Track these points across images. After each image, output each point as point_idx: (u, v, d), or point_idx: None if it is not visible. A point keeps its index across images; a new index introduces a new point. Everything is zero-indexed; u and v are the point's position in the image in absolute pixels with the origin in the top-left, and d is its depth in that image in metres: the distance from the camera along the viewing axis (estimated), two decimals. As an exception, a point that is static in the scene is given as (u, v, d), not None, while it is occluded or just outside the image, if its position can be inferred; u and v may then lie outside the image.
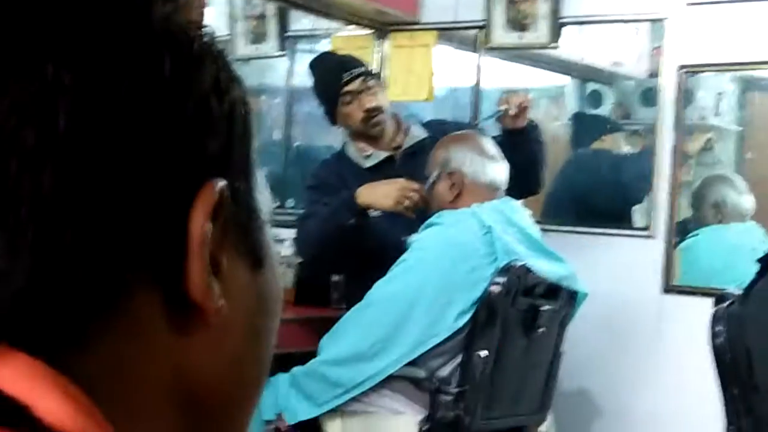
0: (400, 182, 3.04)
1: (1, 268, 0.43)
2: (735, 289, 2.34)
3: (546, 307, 2.89)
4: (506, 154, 3.06)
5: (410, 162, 3.26)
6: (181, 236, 0.46)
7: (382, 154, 3.30)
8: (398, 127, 3.40)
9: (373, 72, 3.38)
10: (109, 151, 0.44)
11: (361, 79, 3.28)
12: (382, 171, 3.23)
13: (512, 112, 3.21)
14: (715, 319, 2.26)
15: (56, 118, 0.43)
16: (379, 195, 3.02)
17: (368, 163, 3.29)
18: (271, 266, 0.53)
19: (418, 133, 3.38)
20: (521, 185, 3.14)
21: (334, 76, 3.32)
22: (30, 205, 0.43)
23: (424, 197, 3.03)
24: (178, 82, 0.47)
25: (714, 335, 2.25)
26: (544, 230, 3.21)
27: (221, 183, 0.47)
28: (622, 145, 4.47)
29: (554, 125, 5.00)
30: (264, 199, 0.54)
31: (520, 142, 3.23)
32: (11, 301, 0.43)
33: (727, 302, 2.27)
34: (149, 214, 0.45)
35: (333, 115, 3.35)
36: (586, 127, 4.62)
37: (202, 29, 0.51)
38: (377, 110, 3.27)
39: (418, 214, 3.02)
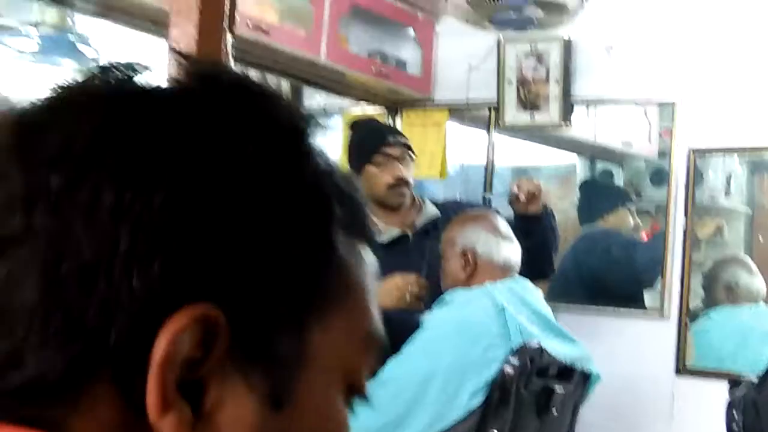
0: (396, 280, 3.03)
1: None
2: (750, 375, 2.33)
3: (559, 389, 2.88)
4: (518, 238, 3.07)
5: (424, 240, 3.27)
6: (147, 354, 0.47)
7: (396, 231, 3.31)
8: (413, 204, 3.40)
9: (412, 150, 3.38)
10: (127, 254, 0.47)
11: (402, 148, 3.34)
12: (396, 248, 3.24)
13: (522, 198, 3.24)
14: (731, 406, 2.25)
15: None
16: (380, 295, 3.02)
17: (383, 239, 3.30)
18: (305, 414, 0.51)
19: (432, 212, 3.39)
20: (532, 269, 3.14)
21: (377, 135, 3.39)
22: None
23: (424, 285, 3.04)
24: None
25: (730, 422, 2.24)
26: (554, 309, 3.20)
27: (203, 311, 0.47)
28: (630, 222, 4.47)
29: (564, 204, 5.03)
30: (337, 345, 0.53)
31: (532, 228, 3.25)
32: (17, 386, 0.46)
33: (743, 388, 2.27)
34: (119, 326, 0.46)
35: (359, 173, 3.32)
36: (596, 198, 4.62)
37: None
38: (405, 182, 3.30)
39: (428, 300, 3.03)
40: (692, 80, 3.89)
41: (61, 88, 0.52)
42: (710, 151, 3.97)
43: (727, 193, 4.79)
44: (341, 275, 0.53)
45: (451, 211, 3.29)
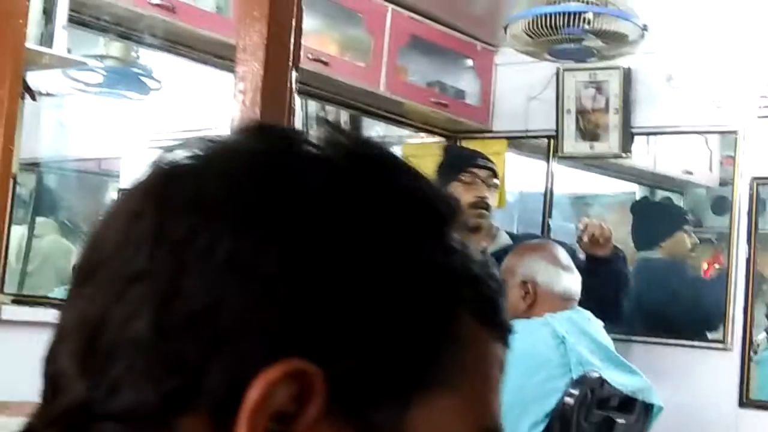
0: None
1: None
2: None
3: (621, 421, 2.86)
4: (584, 277, 3.06)
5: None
6: (240, 396, 0.48)
7: None
8: (489, 230, 3.46)
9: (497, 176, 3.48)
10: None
11: (489, 172, 3.40)
12: None
13: (585, 240, 3.24)
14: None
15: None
16: None
17: None
18: None
19: (505, 241, 3.44)
20: (595, 310, 3.11)
21: (467, 155, 3.53)
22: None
23: None
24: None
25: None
26: (614, 340, 3.18)
27: (298, 366, 0.48)
28: (688, 244, 4.38)
29: (622, 233, 4.99)
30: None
31: (598, 269, 3.24)
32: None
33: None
34: (226, 366, 0.48)
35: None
36: (652, 221, 4.52)
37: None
38: (486, 205, 3.35)
39: None
40: (754, 108, 3.86)
41: (209, 140, 0.55)
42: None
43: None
44: (459, 358, 0.53)
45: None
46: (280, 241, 0.49)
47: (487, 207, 3.34)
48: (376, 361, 0.49)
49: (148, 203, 0.52)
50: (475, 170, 3.38)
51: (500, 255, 3.30)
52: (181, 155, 0.54)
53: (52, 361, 0.53)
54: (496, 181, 3.42)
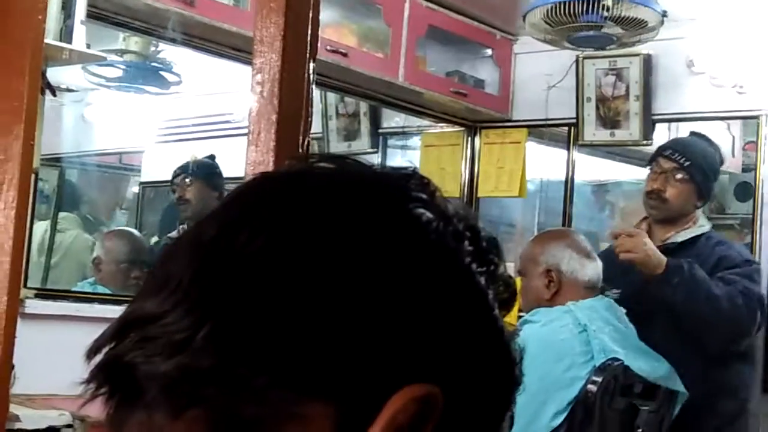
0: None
1: None
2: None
3: (644, 408, 2.85)
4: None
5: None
6: (374, 407, 0.52)
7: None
8: (674, 222, 3.28)
9: (692, 170, 3.25)
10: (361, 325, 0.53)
11: (675, 165, 3.24)
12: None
13: (617, 251, 3.14)
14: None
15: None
16: None
17: None
18: None
19: (702, 226, 3.30)
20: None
21: (663, 146, 3.43)
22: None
23: None
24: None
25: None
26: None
27: (437, 390, 0.53)
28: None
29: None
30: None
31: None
32: None
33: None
34: (359, 372, 0.52)
35: None
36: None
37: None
38: (658, 196, 3.25)
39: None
40: (776, 93, 3.83)
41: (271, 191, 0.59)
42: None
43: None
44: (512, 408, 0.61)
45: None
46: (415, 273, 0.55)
47: (659, 198, 3.24)
48: (478, 395, 0.57)
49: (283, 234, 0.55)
50: (662, 161, 3.28)
51: (695, 240, 3.24)
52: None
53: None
54: (683, 174, 3.24)
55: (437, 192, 0.60)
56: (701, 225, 3.27)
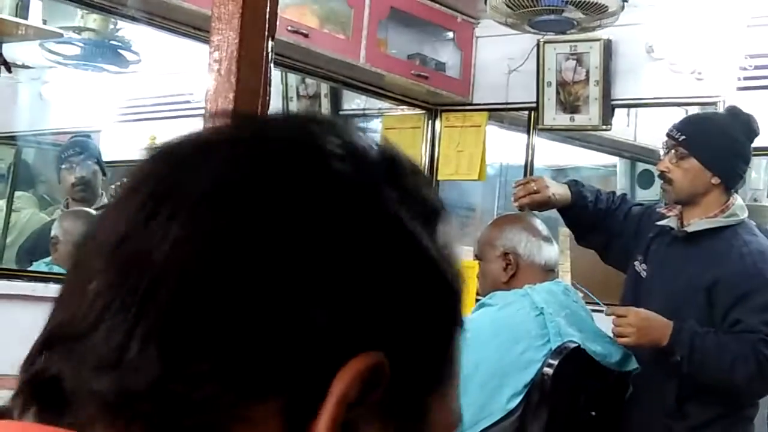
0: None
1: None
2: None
3: (598, 390, 2.87)
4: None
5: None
6: (322, 391, 0.50)
7: (672, 221, 3.06)
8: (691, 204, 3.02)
9: (688, 143, 2.97)
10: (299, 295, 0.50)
11: (671, 141, 3.00)
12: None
13: (514, 205, 3.18)
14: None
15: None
16: None
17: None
18: None
19: (738, 213, 3.00)
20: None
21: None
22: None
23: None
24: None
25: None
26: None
27: (381, 359, 0.51)
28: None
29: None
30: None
31: (573, 213, 3.23)
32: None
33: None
34: (302, 360, 0.50)
35: None
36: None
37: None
38: (663, 177, 3.02)
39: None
40: (734, 79, 3.87)
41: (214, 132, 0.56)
42: (754, 150, 3.93)
43: (770, 193, 4.76)
44: (456, 353, 0.57)
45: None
46: (342, 248, 0.52)
47: (665, 180, 3.02)
48: (421, 350, 0.54)
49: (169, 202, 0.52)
50: (666, 140, 3.03)
51: (715, 233, 2.99)
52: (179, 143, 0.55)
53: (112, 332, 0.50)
54: (681, 150, 2.96)
55: (347, 130, 0.57)
56: (732, 215, 2.96)
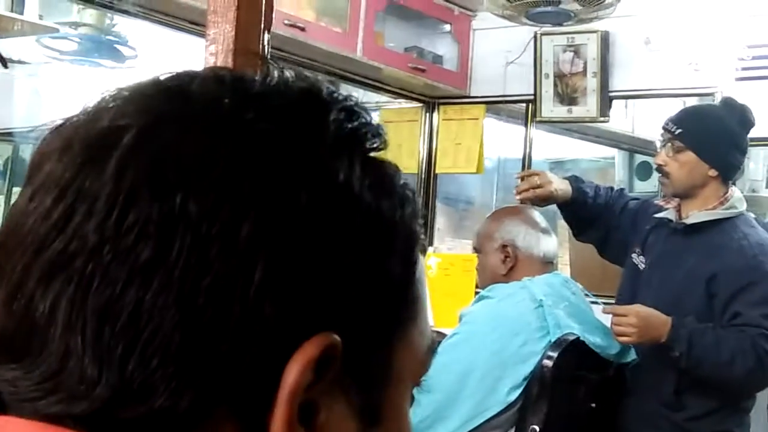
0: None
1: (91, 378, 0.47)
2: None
3: (598, 382, 2.88)
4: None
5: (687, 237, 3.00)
6: (274, 382, 0.48)
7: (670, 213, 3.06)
8: (691, 196, 3.01)
9: (684, 136, 2.96)
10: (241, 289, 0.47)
11: (666, 133, 3.00)
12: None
13: (516, 198, 3.19)
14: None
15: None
16: None
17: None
18: (388, 427, 0.54)
19: (736, 204, 3.00)
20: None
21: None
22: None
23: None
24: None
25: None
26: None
27: (332, 338, 0.48)
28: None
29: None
30: (416, 354, 0.55)
31: (572, 209, 3.24)
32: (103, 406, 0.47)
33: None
34: (249, 356, 0.47)
35: None
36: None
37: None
38: (661, 171, 3.02)
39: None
40: (732, 70, 3.86)
41: (178, 97, 0.51)
42: (751, 141, 3.92)
43: (768, 184, 4.76)
44: (417, 291, 0.55)
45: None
46: (298, 218, 0.49)
47: (663, 173, 3.02)
48: (370, 314, 0.51)
49: (139, 183, 0.48)
50: (662, 133, 3.03)
51: (714, 225, 2.97)
52: (148, 118, 0.50)
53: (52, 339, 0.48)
54: (677, 143, 2.96)
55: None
56: (730, 207, 2.96)
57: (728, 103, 3.09)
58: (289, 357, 0.48)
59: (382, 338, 0.52)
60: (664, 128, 3.02)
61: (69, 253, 0.47)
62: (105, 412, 0.46)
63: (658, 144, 3.06)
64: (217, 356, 0.47)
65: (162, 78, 0.54)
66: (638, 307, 2.84)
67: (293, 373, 0.47)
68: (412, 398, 0.58)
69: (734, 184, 3.04)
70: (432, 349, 0.57)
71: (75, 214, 0.48)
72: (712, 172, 2.95)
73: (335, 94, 0.54)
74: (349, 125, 0.53)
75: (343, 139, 0.52)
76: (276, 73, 0.54)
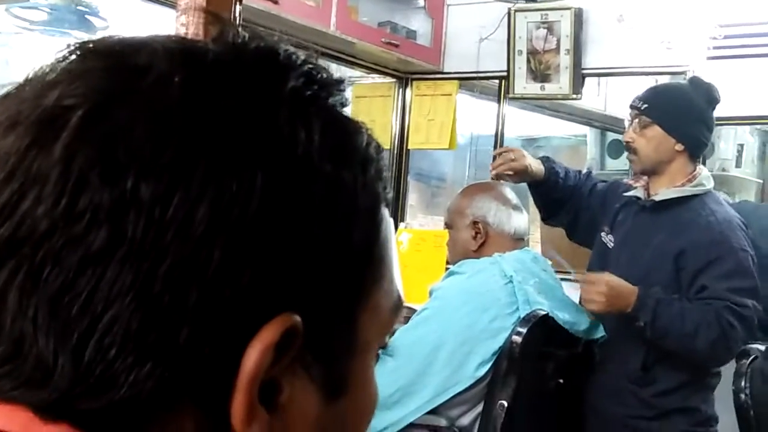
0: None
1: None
2: (759, 344, 2.33)
3: (566, 358, 2.90)
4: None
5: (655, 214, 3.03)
6: (234, 366, 0.47)
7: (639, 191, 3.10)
8: (658, 173, 3.04)
9: (650, 111, 3.00)
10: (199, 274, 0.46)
11: (634, 111, 3.04)
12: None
13: (491, 174, 3.21)
14: (738, 375, 2.25)
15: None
16: None
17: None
18: (355, 396, 0.53)
19: (704, 183, 3.02)
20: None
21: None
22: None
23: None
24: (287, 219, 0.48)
25: (737, 391, 2.24)
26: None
27: (292, 320, 0.47)
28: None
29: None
30: (381, 319, 0.54)
31: (544, 189, 3.26)
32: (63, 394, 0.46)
33: (751, 357, 2.27)
34: (209, 342, 0.46)
35: None
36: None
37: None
38: (629, 148, 3.06)
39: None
40: (704, 49, 3.88)
41: (127, 73, 0.49)
42: (721, 120, 3.95)
43: (738, 164, 4.80)
44: (381, 252, 0.54)
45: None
46: (255, 199, 0.47)
47: (630, 150, 3.05)
48: (330, 290, 0.50)
49: (87, 166, 0.46)
50: (629, 111, 3.08)
51: (682, 202, 3.00)
52: (89, 92, 0.48)
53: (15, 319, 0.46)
54: (644, 118, 2.99)
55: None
56: (698, 184, 3.00)
57: (694, 82, 3.14)
58: (248, 341, 0.47)
59: (344, 312, 0.51)
60: (631, 106, 3.06)
61: (17, 240, 0.46)
62: (64, 402, 0.45)
63: (626, 123, 3.10)
64: (176, 344, 0.45)
65: (108, 45, 0.51)
66: (608, 276, 2.87)
67: (252, 358, 0.46)
68: (378, 357, 0.57)
69: (703, 163, 3.07)
70: (398, 307, 0.56)
71: (23, 199, 0.46)
72: (679, 147, 2.98)
73: (293, 57, 0.53)
74: (308, 91, 0.52)
75: (302, 108, 0.51)
76: (230, 38, 0.52)
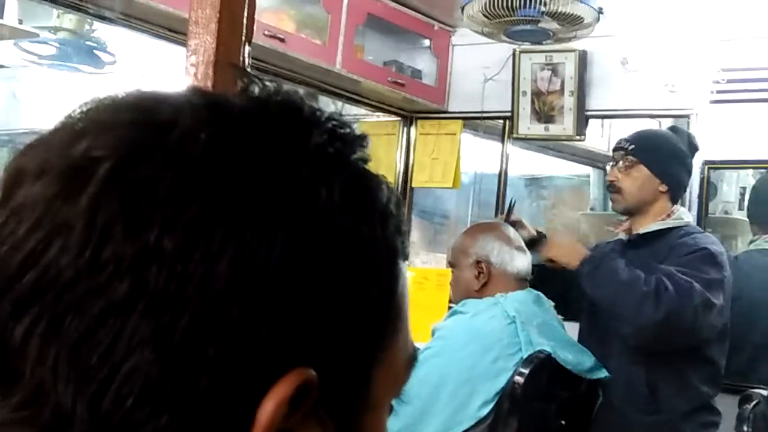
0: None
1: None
2: (761, 389, 2.33)
3: (568, 399, 2.89)
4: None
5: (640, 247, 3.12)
6: (249, 418, 0.47)
7: (621, 235, 3.22)
8: (641, 213, 3.14)
9: (637, 152, 3.12)
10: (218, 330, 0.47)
11: (621, 152, 3.15)
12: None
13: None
14: (741, 420, 2.25)
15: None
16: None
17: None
18: None
19: (682, 218, 3.14)
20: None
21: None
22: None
23: None
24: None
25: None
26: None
27: (307, 374, 0.48)
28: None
29: (577, 214, 5.04)
30: (393, 379, 0.55)
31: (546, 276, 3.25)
32: None
33: (753, 402, 2.27)
34: (226, 393, 0.47)
35: None
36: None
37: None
38: (613, 188, 3.16)
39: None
40: (707, 92, 3.90)
41: (154, 127, 0.50)
42: (724, 163, 3.97)
43: (741, 206, 4.79)
44: (398, 308, 0.55)
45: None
46: (275, 258, 0.48)
47: (615, 190, 3.15)
48: (347, 345, 0.51)
49: (112, 218, 0.47)
50: (614, 153, 3.20)
51: (664, 233, 3.09)
52: (120, 147, 0.49)
53: (38, 359, 0.47)
54: (630, 158, 3.11)
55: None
56: (678, 218, 3.11)
57: (676, 129, 3.35)
58: (264, 393, 0.47)
59: (359, 368, 0.52)
60: (616, 147, 3.19)
61: (41, 287, 0.47)
62: None
63: (609, 166, 3.22)
64: (193, 395, 0.46)
65: (137, 98, 0.53)
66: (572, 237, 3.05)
67: (267, 411, 0.47)
68: (392, 408, 0.57)
69: (706, 206, 3.16)
70: (413, 359, 0.57)
71: (49, 248, 0.47)
72: (663, 187, 3.11)
73: (317, 113, 0.54)
74: (331, 148, 0.52)
75: (325, 165, 0.51)
76: (256, 92, 0.53)
